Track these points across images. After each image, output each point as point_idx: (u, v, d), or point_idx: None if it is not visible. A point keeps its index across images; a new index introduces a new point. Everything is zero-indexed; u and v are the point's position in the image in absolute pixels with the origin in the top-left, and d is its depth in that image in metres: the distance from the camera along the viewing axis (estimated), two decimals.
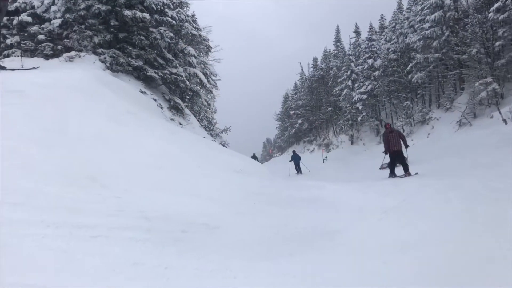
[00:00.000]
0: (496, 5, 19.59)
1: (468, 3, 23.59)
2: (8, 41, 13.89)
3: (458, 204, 6.02)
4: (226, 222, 4.67)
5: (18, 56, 13.10)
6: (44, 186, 4.40)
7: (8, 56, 13.41)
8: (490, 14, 19.77)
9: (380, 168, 17.27)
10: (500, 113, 17.73)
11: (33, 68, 10.14)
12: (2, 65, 9.86)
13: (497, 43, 19.79)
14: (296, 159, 23.83)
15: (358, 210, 6.09)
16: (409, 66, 28.47)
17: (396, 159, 12.24)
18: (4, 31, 14.21)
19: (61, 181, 4.65)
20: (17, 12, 12.01)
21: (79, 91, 8.28)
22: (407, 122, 27.85)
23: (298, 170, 23.61)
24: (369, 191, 8.60)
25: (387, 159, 13.37)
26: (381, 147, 15.14)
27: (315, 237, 4.38)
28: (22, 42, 13.88)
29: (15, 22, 13.85)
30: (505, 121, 17.06)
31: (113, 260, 3.04)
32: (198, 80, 18.26)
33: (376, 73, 32.94)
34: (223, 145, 19.56)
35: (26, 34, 13.80)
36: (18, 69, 9.80)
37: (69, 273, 2.71)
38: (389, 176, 12.31)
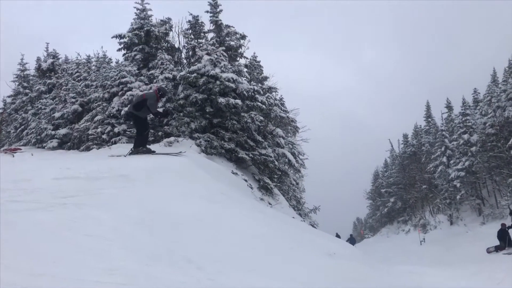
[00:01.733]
0: None
1: None
2: (116, 130, 15.46)
3: None
4: None
5: (124, 143, 14.46)
6: (145, 266, 4.59)
7: (115, 143, 14.86)
8: None
9: (487, 252, 15.79)
10: None
11: (180, 152, 11.08)
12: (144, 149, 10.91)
13: None
14: (352, 241, 23.79)
15: None
16: (510, 141, 26.58)
17: None
18: (113, 121, 15.90)
19: (161, 262, 4.83)
20: (166, 114, 13.31)
21: (177, 173, 8.82)
22: None
23: None
24: (476, 278, 7.80)
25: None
26: (484, 228, 15.11)
27: None
28: (127, 130, 15.37)
29: (122, 112, 15.47)
30: None
31: None
32: (287, 160, 18.60)
33: (473, 148, 31.13)
34: (312, 225, 19.20)
35: (131, 123, 15.26)
36: (168, 154, 10.92)
37: None
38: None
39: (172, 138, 13.97)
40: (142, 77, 17.32)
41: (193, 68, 15.29)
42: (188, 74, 15.00)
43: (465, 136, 32.37)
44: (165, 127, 15.10)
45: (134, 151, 10.80)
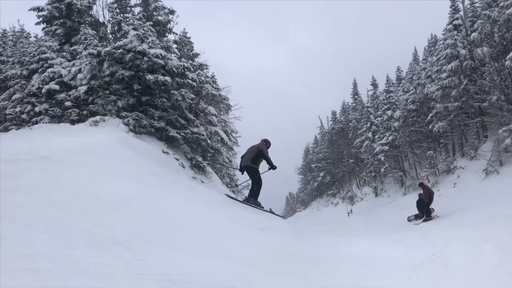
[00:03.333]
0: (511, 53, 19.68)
1: (484, 52, 23.78)
2: (36, 109, 14.54)
3: (492, 257, 5.75)
4: (254, 285, 4.55)
5: (46, 123, 13.65)
6: (69, 250, 4.41)
7: (36, 123, 13.98)
8: (507, 62, 19.82)
9: (408, 220, 16.90)
10: None
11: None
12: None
13: None
14: None
15: (387, 267, 5.87)
16: (429, 116, 28.35)
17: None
18: (33, 99, 14.91)
19: (86, 245, 4.65)
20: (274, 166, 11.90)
21: (103, 154, 8.48)
22: (432, 172, 27.33)
23: None
24: (397, 246, 8.32)
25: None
26: (406, 198, 16.47)
27: None
28: (50, 109, 14.50)
29: (43, 90, 14.55)
30: None
31: None
32: (219, 138, 18.57)
33: (396, 124, 32.89)
34: None
35: (54, 102, 14.42)
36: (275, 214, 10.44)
37: None
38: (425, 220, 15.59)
39: (98, 117, 13.38)
40: (64, 53, 16.33)
41: (119, 43, 14.63)
42: (113, 50, 14.35)
43: (389, 112, 34.06)
44: (90, 105, 14.41)
45: (249, 201, 11.24)
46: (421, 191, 16.77)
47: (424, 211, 15.94)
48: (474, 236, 8.26)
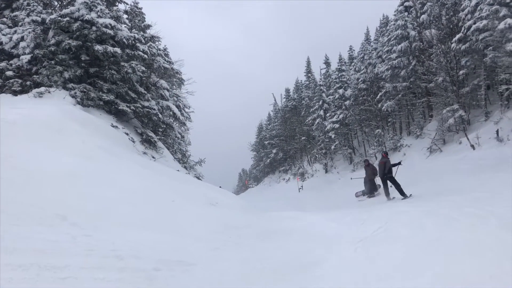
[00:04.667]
0: (457, 36, 20.47)
1: (432, 34, 24.59)
2: None
3: (433, 231, 6.07)
4: (202, 258, 4.57)
5: None
6: (13, 226, 4.24)
7: None
8: (453, 45, 20.63)
9: (356, 196, 17.47)
10: (468, 139, 18.26)
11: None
12: None
13: (460, 72, 20.58)
14: None
15: (335, 240, 6.07)
16: (378, 95, 29.17)
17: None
18: None
19: (30, 222, 4.49)
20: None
21: (48, 127, 8.13)
22: (379, 150, 28.31)
23: None
24: (344, 220, 8.61)
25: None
26: (355, 175, 16.96)
27: (293, 270, 4.33)
28: None
29: None
30: (473, 146, 17.56)
31: None
32: (171, 112, 18.21)
33: (347, 102, 33.60)
34: (198, 178, 19.39)
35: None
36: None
37: None
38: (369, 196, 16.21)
39: (42, 89, 12.72)
40: (4, 19, 15.27)
41: (65, 11, 13.86)
42: (59, 18, 13.58)
43: (340, 91, 34.71)
44: (34, 76, 13.66)
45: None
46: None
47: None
48: (417, 211, 8.68)
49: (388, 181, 13.39)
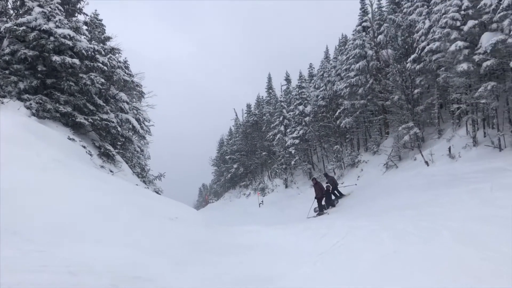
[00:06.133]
0: (412, 56, 21.39)
1: (388, 54, 25.57)
2: None
3: (390, 245, 6.24)
4: (161, 273, 4.49)
5: None
6: None
7: None
8: (408, 64, 21.52)
9: (314, 211, 17.69)
10: (422, 155, 18.95)
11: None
12: None
13: (415, 91, 21.44)
14: None
15: (295, 254, 6.13)
16: (337, 112, 29.84)
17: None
18: None
19: None
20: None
21: (1, 138, 7.81)
22: (338, 166, 28.86)
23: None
24: (305, 234, 8.71)
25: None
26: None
27: (255, 284, 4.32)
28: None
29: None
30: (427, 163, 18.23)
31: None
32: (131, 126, 17.90)
33: (306, 118, 34.18)
34: (157, 192, 19.07)
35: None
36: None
37: None
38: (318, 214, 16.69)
39: None
40: None
41: (21, 20, 13.44)
42: (15, 27, 13.15)
43: (300, 107, 35.28)
44: None
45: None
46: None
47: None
48: (375, 225, 8.91)
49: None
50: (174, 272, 4.63)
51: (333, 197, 17.72)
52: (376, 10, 31.00)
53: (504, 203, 8.39)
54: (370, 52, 27.01)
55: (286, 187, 36.37)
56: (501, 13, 14.44)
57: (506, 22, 14.27)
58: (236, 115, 59.99)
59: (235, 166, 52.74)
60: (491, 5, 15.19)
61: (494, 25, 15.20)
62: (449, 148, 17.63)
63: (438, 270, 4.47)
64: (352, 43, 28.66)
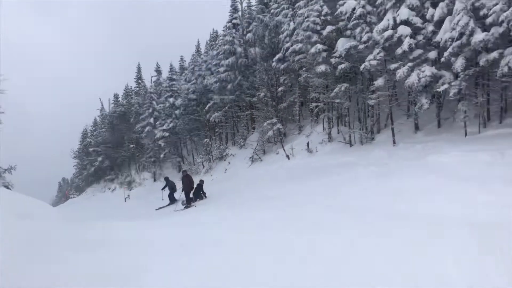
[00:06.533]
0: (278, 56, 22.61)
1: (256, 52, 26.59)
2: None
3: (254, 235, 6.56)
4: (5, 275, 4.06)
5: None
6: None
7: None
8: (274, 63, 22.68)
9: (182, 204, 17.65)
10: (284, 150, 20.17)
11: None
12: None
13: (280, 89, 22.72)
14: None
15: (162, 246, 6.09)
16: (207, 106, 30.16)
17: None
18: None
19: None
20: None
21: None
22: (207, 159, 29.20)
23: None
24: (172, 227, 8.67)
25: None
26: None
27: (115, 282, 4.17)
28: None
29: None
30: (288, 156, 19.45)
31: None
32: None
33: (177, 111, 33.87)
34: (6, 187, 17.16)
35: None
36: None
37: None
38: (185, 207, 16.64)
39: None
40: None
41: None
42: None
43: (171, 100, 34.82)
44: None
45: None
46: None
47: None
48: (237, 216, 9.27)
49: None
50: (23, 271, 4.24)
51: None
52: (246, 8, 31.95)
53: (355, 195, 9.44)
54: (239, 49, 27.79)
55: (155, 180, 35.71)
56: (354, 22, 16.03)
57: (358, 30, 15.88)
58: (102, 105, 56.98)
59: (99, 159, 49.99)
60: (346, 13, 16.74)
61: (348, 32, 16.80)
62: (308, 144, 19.06)
63: (290, 256, 4.84)
64: (223, 39, 29.18)
